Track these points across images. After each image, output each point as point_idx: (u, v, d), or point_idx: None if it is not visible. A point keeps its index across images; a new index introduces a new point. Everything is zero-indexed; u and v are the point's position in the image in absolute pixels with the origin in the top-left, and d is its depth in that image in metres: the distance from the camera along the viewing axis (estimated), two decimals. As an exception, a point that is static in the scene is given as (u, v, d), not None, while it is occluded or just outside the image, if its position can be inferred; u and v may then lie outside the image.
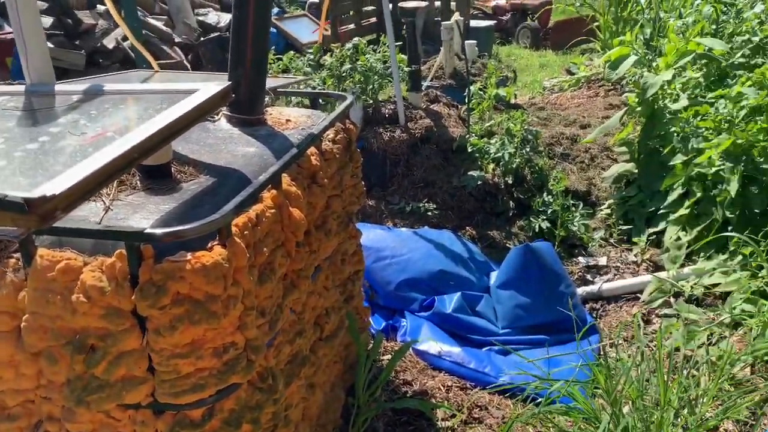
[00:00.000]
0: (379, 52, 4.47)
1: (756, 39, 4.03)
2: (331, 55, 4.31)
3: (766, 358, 2.36)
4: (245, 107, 2.31)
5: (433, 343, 3.12)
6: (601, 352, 3.02)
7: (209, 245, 1.60)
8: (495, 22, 9.03)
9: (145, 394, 1.60)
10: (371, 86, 4.39)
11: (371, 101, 4.47)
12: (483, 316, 3.39)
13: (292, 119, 2.47)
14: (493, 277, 3.60)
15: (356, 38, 4.39)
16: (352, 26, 8.43)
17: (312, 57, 4.33)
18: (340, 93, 2.69)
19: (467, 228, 4.03)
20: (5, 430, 1.68)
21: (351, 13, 8.56)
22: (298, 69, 4.14)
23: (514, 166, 4.17)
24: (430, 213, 4.06)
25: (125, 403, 1.60)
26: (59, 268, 1.53)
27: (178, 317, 1.53)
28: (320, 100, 3.10)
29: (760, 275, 3.02)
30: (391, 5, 4.45)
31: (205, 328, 1.58)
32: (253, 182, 1.79)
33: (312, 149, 2.24)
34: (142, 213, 1.67)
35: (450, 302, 3.36)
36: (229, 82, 2.03)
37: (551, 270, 3.39)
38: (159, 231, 1.48)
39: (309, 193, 2.15)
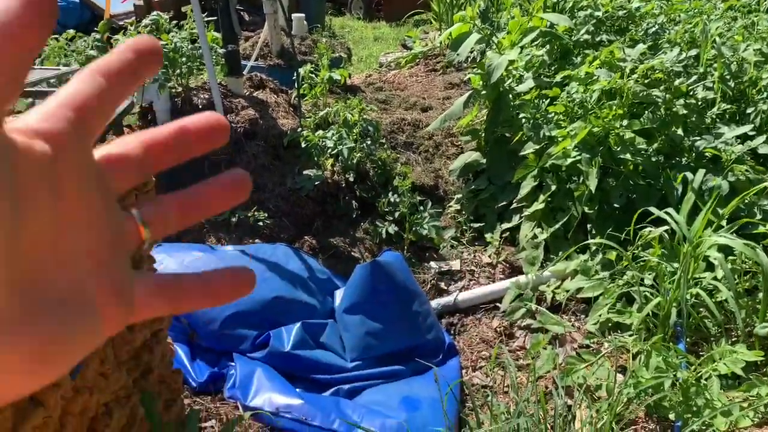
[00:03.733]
0: (186, 29, 3.70)
1: (598, 14, 3.82)
2: (124, 34, 3.48)
3: (653, 396, 2.06)
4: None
5: (269, 396, 2.53)
6: (466, 391, 2.61)
7: None
8: (326, -9, 8.42)
9: None
10: (179, 71, 3.62)
11: (180, 89, 3.71)
12: (329, 348, 2.86)
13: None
14: (338, 296, 3.08)
15: (156, 13, 3.57)
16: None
17: (99, 36, 3.46)
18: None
19: (306, 237, 3.46)
20: None
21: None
22: (79, 53, 3.27)
23: (354, 161, 3.65)
24: (261, 223, 3.42)
25: None
26: None
27: None
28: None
29: (624, 278, 2.77)
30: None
31: None
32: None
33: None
34: None
35: (288, 337, 2.78)
36: None
37: (403, 287, 2.93)
38: None
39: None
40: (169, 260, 3.00)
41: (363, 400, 2.66)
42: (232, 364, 2.74)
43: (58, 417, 1.43)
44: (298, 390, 2.64)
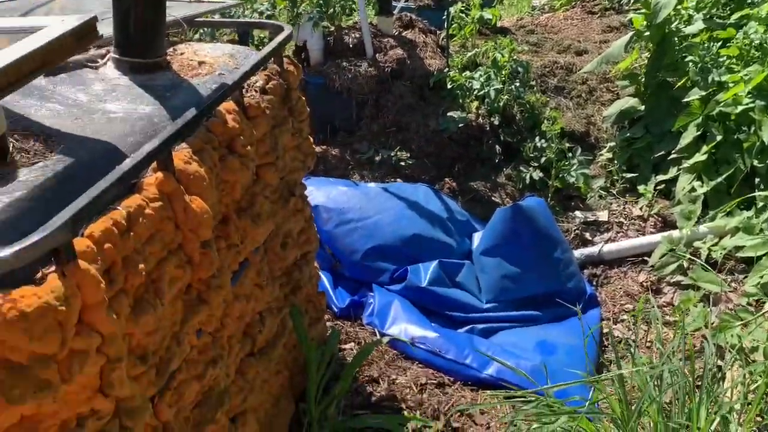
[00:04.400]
0: (341, -32, 3.77)
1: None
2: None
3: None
4: (137, 46, 1.69)
5: (405, 327, 2.62)
6: (606, 342, 2.54)
7: (39, 274, 1.04)
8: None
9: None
10: (332, 9, 3.70)
11: (333, 28, 3.80)
12: (464, 288, 2.88)
13: (208, 61, 1.86)
14: (476, 239, 3.07)
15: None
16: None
17: (260, -24, 3.62)
18: (275, 23, 2.06)
19: (446, 180, 3.47)
20: None
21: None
22: (242, -9, 3.44)
23: (501, 104, 3.57)
24: (403, 163, 3.48)
25: None
26: None
27: (-15, 394, 0.98)
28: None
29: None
30: None
31: (38, 403, 1.03)
32: (117, 168, 1.21)
33: (229, 105, 1.64)
34: (-59, 224, 1.09)
35: (425, 273, 2.84)
36: (92, 15, 1.42)
37: (545, 233, 2.87)
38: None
39: (224, 168, 1.57)
40: (317, 193, 3.14)
41: (496, 340, 2.67)
42: (371, 293, 2.85)
43: (220, 317, 1.57)
44: (432, 324, 2.70)
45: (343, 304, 2.82)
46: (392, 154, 3.51)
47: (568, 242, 3.04)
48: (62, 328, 1.01)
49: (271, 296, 1.90)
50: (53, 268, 1.05)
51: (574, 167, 3.32)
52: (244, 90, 1.77)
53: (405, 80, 3.73)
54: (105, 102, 1.55)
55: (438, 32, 4.38)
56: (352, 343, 2.57)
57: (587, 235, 3.23)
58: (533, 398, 1.74)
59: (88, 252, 1.09)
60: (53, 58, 1.26)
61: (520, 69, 3.62)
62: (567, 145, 3.49)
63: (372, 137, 3.63)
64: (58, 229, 1.01)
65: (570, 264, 2.85)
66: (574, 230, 3.23)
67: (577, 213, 3.35)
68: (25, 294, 0.99)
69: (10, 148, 1.28)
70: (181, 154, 1.42)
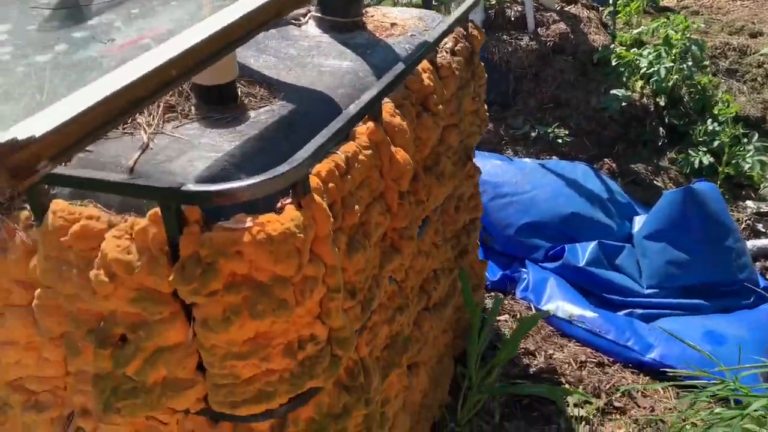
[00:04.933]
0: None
1: None
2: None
3: None
4: (338, 6, 1.77)
5: (561, 304, 2.58)
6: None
7: (279, 204, 1.13)
8: None
9: (195, 399, 1.20)
10: (495, -17, 3.66)
11: (494, 2, 3.75)
12: (623, 272, 2.78)
13: (398, 22, 1.91)
14: (637, 223, 2.96)
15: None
16: None
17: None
18: (462, -12, 2.07)
19: (606, 160, 3.35)
20: (32, 422, 1.35)
21: None
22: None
23: (669, 84, 3.38)
24: (560, 140, 3.39)
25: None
26: (74, 232, 1.12)
27: (233, 307, 1.09)
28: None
29: None
30: None
31: (272, 321, 1.13)
32: (344, 112, 1.28)
33: (424, 64, 1.68)
34: (192, 154, 1.21)
35: (583, 253, 2.77)
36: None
37: (717, 220, 2.70)
38: (200, 188, 1.02)
39: (418, 125, 1.62)
40: (471, 165, 3.15)
41: (657, 325, 2.56)
42: (523, 269, 2.82)
43: (405, 269, 1.62)
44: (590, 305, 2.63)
45: (494, 277, 2.81)
46: (549, 131, 3.44)
47: (740, 233, 2.86)
48: (299, 254, 1.10)
49: (444, 256, 1.94)
50: (289, 199, 1.13)
51: (750, 153, 3.09)
52: (436, 51, 1.80)
53: (567, 55, 3.63)
54: (313, 57, 1.63)
55: (601, 8, 4.22)
56: (507, 315, 2.57)
57: (760, 226, 3.01)
58: (717, 380, 1.66)
59: (317, 188, 1.17)
60: (287, 8, 1.34)
61: (694, 47, 3.40)
62: (741, 130, 3.26)
63: (528, 113, 3.57)
64: (301, 163, 1.08)
65: (743, 254, 2.68)
66: (745, 220, 3.03)
67: (749, 203, 3.13)
68: (270, 220, 1.08)
69: (239, 93, 1.39)
70: (387, 107, 1.47)
